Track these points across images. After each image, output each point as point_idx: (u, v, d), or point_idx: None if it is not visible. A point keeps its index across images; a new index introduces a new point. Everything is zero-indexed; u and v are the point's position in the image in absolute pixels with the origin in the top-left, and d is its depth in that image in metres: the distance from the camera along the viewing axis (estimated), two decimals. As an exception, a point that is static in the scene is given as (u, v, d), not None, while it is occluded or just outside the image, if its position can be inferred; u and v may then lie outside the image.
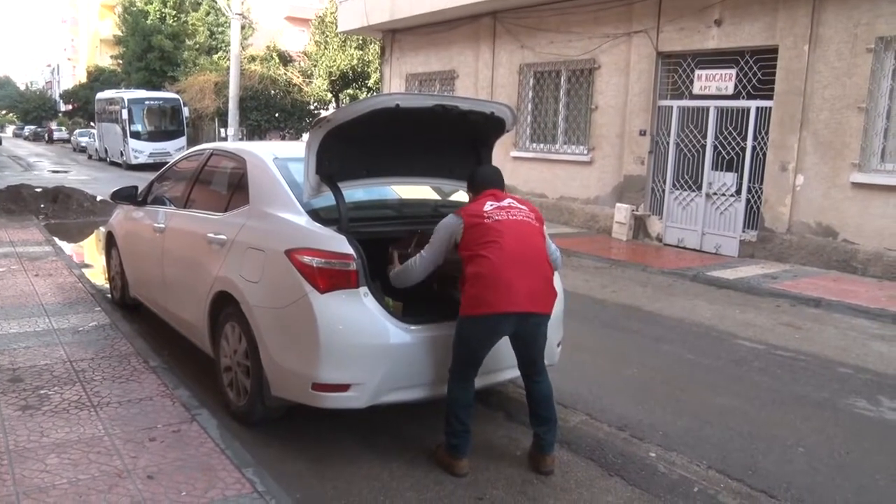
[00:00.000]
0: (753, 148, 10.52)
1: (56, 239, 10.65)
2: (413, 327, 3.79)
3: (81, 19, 65.93)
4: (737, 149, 10.71)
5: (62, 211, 13.46)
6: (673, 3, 11.32)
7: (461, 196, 4.93)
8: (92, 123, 40.24)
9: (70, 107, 56.16)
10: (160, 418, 4.08)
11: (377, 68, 26.47)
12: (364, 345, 3.68)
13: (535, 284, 3.62)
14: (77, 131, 45.80)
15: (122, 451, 3.65)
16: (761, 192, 10.44)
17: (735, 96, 10.67)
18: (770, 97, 10.23)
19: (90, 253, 10.87)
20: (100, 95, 34.40)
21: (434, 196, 5.12)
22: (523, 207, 3.81)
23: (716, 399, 5.10)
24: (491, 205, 3.72)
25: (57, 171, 26.07)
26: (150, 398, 4.37)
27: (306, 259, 3.72)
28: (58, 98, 67.47)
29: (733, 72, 10.61)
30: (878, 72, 9.14)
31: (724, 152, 10.90)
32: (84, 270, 8.50)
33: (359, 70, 30.89)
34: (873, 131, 9.25)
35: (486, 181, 3.94)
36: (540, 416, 3.83)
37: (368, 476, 3.72)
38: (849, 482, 3.90)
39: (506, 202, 3.77)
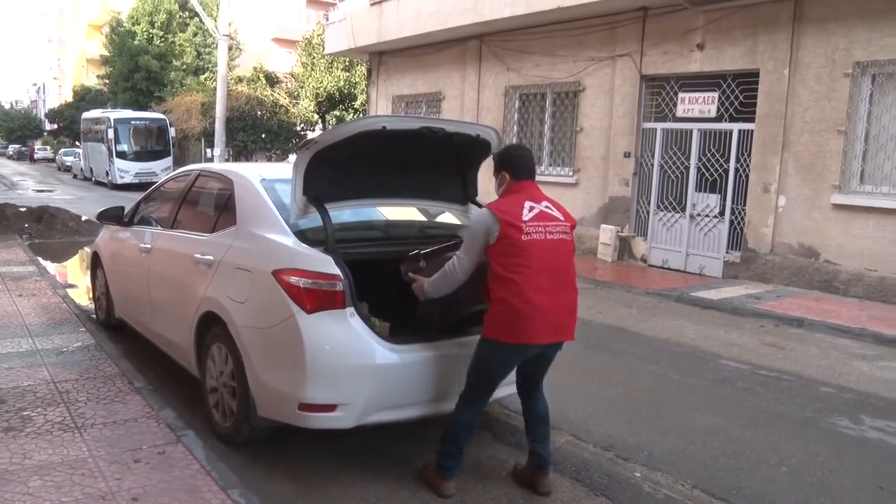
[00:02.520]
0: (736, 170, 10.66)
1: (40, 259, 10.59)
2: (400, 347, 3.81)
3: (68, 39, 65.84)
4: (720, 170, 10.85)
5: (47, 230, 13.38)
6: (656, 28, 11.51)
7: (447, 217, 4.98)
8: (77, 143, 40.13)
9: (55, 126, 55.97)
10: (145, 439, 4.05)
11: (364, 90, 26.63)
12: (351, 365, 3.69)
13: (563, 312, 3.54)
14: (62, 150, 45.59)
15: (106, 473, 3.62)
16: (744, 214, 10.56)
17: (718, 119, 10.83)
18: (752, 120, 10.39)
19: (75, 273, 10.81)
20: (85, 115, 34.34)
21: (420, 217, 5.15)
22: (559, 217, 3.60)
23: (700, 419, 5.13)
24: (529, 209, 3.49)
25: (41, 191, 25.95)
26: (135, 419, 4.35)
27: (293, 279, 3.73)
28: (43, 117, 67.23)
29: (716, 95, 10.78)
30: (856, 96, 9.32)
31: (707, 174, 11.03)
32: (68, 290, 8.45)
33: (345, 92, 31.07)
34: (852, 154, 9.41)
35: (524, 168, 3.68)
36: (539, 433, 3.83)
37: (355, 497, 3.71)
38: (831, 500, 3.93)
39: (542, 205, 3.56)
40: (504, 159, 3.73)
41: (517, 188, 3.62)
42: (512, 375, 3.84)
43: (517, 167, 3.67)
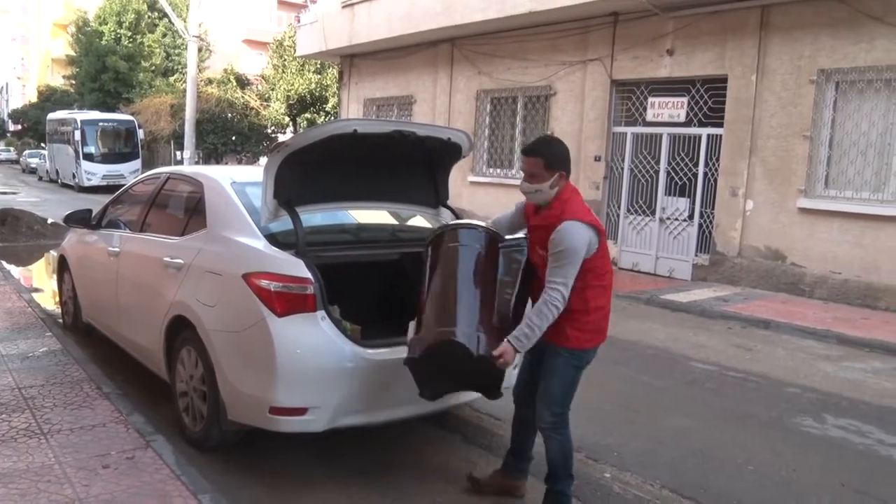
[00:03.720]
0: (705, 174, 10.81)
1: (4, 262, 10.39)
2: (371, 351, 3.80)
3: (32, 38, 64.61)
4: (689, 174, 10.99)
5: (11, 234, 13.10)
6: (627, 33, 11.63)
7: (419, 221, 4.99)
8: (42, 144, 39.41)
9: (19, 127, 54.89)
10: (114, 445, 4.00)
11: (335, 93, 26.50)
12: (321, 368, 3.68)
13: None
14: (27, 152, 44.76)
15: (73, 480, 3.57)
16: (713, 217, 10.71)
17: (687, 124, 10.97)
18: (720, 125, 10.54)
19: (40, 277, 10.63)
20: (51, 116, 33.76)
21: (391, 221, 5.16)
22: None
23: (669, 420, 5.20)
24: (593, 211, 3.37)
25: (5, 193, 25.40)
26: (103, 425, 4.29)
27: (264, 283, 3.72)
28: (6, 118, 65.88)
29: (685, 100, 10.92)
30: (821, 102, 9.50)
31: (676, 178, 11.17)
32: (34, 295, 8.32)
33: (317, 94, 30.92)
34: (817, 159, 9.59)
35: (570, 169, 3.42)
36: (530, 442, 3.78)
37: (327, 501, 3.71)
38: (796, 498, 4.01)
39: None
40: (561, 156, 3.37)
41: (572, 189, 3.38)
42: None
43: (569, 164, 3.40)
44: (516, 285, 3.42)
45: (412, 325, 3.48)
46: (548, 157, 3.33)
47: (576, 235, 3.16)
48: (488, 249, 3.46)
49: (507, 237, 3.57)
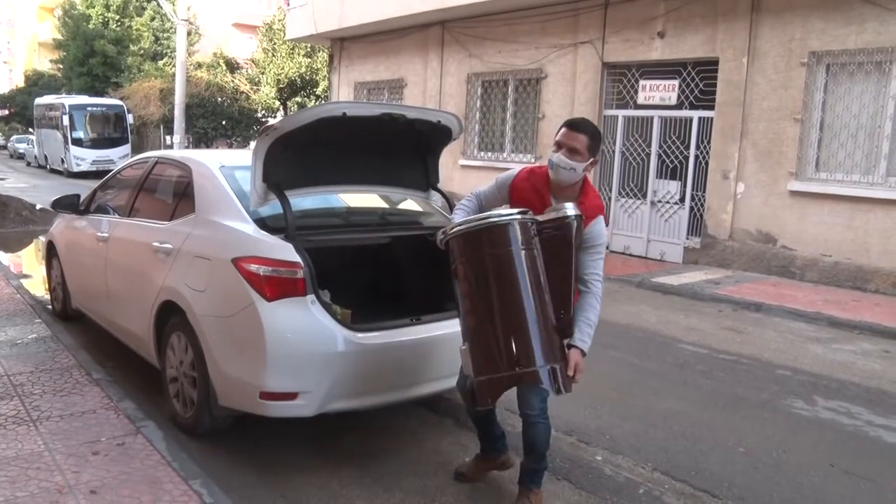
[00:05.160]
0: (696, 157, 10.81)
1: (-7, 249, 10.33)
2: (361, 335, 3.78)
3: (18, 21, 63.94)
4: (680, 157, 10.98)
5: (-1, 220, 13.05)
6: (618, 15, 11.57)
7: (409, 205, 4.97)
8: (30, 129, 39.07)
9: (6, 112, 54.42)
10: (104, 431, 3.99)
11: (325, 76, 26.33)
12: (312, 353, 3.66)
13: None
14: (14, 137, 44.39)
15: (63, 467, 3.56)
16: (704, 200, 10.72)
17: (678, 106, 10.95)
18: (712, 108, 10.53)
19: (29, 263, 10.56)
20: (39, 101, 33.41)
21: (382, 204, 5.13)
22: None
23: (661, 402, 5.21)
24: None
25: (-7, 179, 25.25)
26: (93, 411, 4.27)
27: (253, 267, 3.69)
28: (-7, 103, 65.27)
29: (676, 83, 10.89)
30: (812, 85, 9.50)
31: (667, 161, 11.16)
32: (22, 281, 8.25)
33: (307, 78, 30.72)
34: (808, 142, 9.60)
35: None
36: (496, 431, 3.79)
37: (318, 485, 3.71)
38: (786, 479, 4.03)
39: None
40: (600, 143, 3.29)
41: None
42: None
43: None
44: (573, 274, 3.05)
45: (465, 352, 3.03)
46: (593, 137, 3.24)
47: (603, 230, 3.32)
48: (531, 243, 2.98)
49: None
